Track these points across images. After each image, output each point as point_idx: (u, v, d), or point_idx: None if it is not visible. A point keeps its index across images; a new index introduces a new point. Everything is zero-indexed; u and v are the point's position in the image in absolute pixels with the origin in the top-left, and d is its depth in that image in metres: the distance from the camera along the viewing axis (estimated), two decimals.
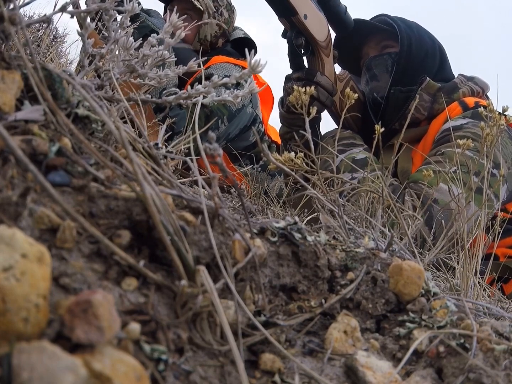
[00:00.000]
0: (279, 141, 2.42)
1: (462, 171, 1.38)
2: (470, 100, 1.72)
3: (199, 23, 2.15)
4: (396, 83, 1.79)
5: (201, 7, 2.19)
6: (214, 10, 2.25)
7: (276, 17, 1.56)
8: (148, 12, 2.09)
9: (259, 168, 2.11)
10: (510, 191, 1.64)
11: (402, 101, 1.76)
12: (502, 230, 1.03)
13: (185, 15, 2.15)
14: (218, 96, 0.75)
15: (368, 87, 1.90)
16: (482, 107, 1.64)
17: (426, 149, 1.72)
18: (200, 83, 0.76)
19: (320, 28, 1.59)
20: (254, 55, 0.63)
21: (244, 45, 2.30)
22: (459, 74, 1.86)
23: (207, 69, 2.12)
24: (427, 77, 1.73)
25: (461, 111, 1.69)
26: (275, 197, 1.61)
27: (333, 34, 1.72)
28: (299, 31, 1.55)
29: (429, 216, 1.34)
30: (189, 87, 0.76)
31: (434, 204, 1.35)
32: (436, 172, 1.31)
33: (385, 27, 1.84)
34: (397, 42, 1.79)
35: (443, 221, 1.12)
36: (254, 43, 2.43)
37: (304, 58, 1.70)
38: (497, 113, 0.93)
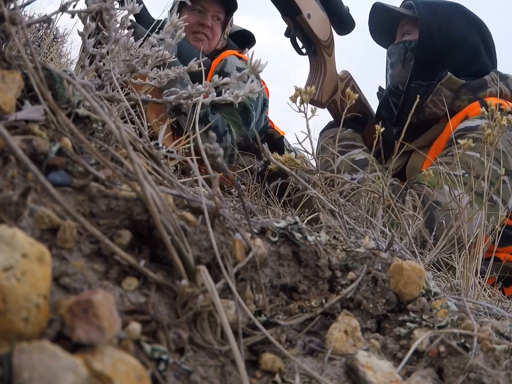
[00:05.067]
0: (280, 132, 2.42)
1: (470, 175, 1.35)
2: (492, 102, 1.66)
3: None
4: (417, 75, 1.70)
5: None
6: None
7: (280, 16, 1.57)
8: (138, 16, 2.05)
9: (259, 168, 2.11)
10: None
11: (422, 96, 1.66)
12: (506, 237, 1.01)
13: (218, 18, 2.14)
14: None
15: (387, 75, 1.87)
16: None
17: (440, 147, 1.65)
18: (219, 76, 0.76)
19: (323, 27, 1.61)
20: (252, 45, 0.63)
21: (242, 38, 2.30)
22: (493, 71, 1.73)
23: (223, 64, 2.11)
24: (448, 72, 1.64)
25: (480, 112, 1.64)
26: (275, 197, 1.61)
27: (335, 34, 1.73)
28: (302, 30, 1.57)
29: (429, 218, 1.31)
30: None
31: (436, 206, 1.33)
32: (440, 174, 1.28)
33: (406, 13, 1.77)
34: (418, 27, 1.71)
35: (443, 221, 1.12)
36: (253, 34, 2.41)
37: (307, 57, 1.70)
38: (499, 113, 0.93)
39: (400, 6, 1.88)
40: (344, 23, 1.72)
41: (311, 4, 1.55)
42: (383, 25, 1.88)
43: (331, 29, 1.67)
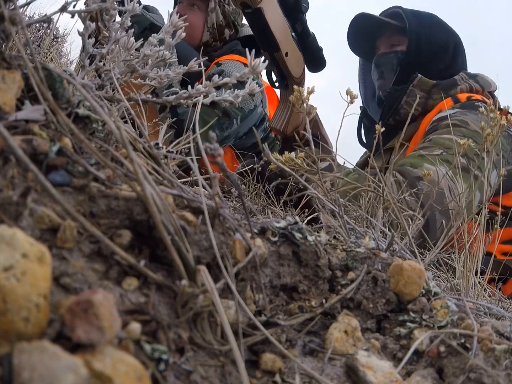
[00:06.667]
0: None
1: (448, 153, 1.43)
2: (463, 96, 1.75)
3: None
4: (399, 81, 1.81)
5: None
6: None
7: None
8: (146, 8, 2.09)
9: (260, 168, 2.11)
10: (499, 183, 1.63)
11: (397, 99, 1.80)
12: (495, 223, 1.03)
13: (193, 5, 2.16)
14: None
15: (376, 85, 1.93)
16: (479, 103, 1.66)
17: (418, 141, 1.75)
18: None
19: (298, 66, 1.75)
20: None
21: (252, 43, 2.29)
22: (461, 72, 1.86)
23: (219, 65, 2.12)
24: (419, 74, 1.76)
25: (452, 105, 1.72)
26: (275, 197, 1.61)
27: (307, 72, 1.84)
28: (278, 65, 1.70)
29: (416, 194, 1.34)
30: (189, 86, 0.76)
31: (418, 181, 1.36)
32: (422, 156, 1.36)
33: (394, 23, 1.85)
34: (406, 36, 1.81)
35: (443, 220, 1.12)
36: None
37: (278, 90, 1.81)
38: (498, 112, 0.93)
39: (380, 15, 1.94)
40: (317, 63, 1.84)
41: (290, 44, 1.68)
42: (363, 34, 1.97)
43: (304, 67, 1.79)
